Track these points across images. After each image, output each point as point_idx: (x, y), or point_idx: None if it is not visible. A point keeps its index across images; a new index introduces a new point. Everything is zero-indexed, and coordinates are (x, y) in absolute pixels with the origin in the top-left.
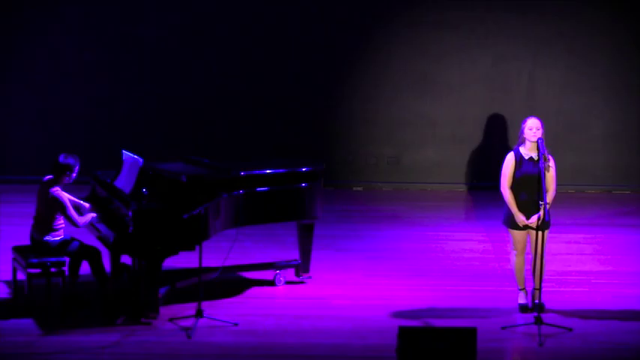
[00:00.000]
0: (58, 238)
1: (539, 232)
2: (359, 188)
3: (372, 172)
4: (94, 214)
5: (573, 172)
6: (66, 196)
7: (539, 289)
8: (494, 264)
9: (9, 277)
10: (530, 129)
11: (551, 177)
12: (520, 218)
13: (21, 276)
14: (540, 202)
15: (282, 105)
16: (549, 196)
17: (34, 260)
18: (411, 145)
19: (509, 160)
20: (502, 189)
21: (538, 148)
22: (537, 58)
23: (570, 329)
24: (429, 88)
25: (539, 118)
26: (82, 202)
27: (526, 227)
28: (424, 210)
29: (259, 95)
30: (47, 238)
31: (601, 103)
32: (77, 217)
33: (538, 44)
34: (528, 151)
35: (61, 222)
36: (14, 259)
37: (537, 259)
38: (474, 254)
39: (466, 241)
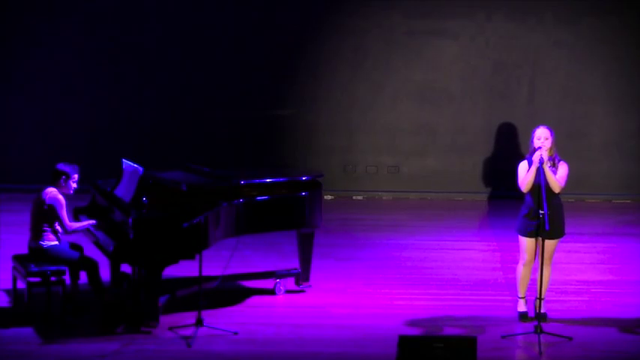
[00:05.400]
0: (53, 243)
1: (542, 241)
2: (359, 197)
3: (372, 181)
4: (91, 221)
5: (573, 181)
6: (62, 198)
7: (543, 299)
8: (494, 273)
9: (9, 285)
10: (539, 139)
11: (559, 176)
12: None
13: (21, 285)
14: (540, 212)
15: (282, 114)
16: (555, 179)
17: (34, 269)
18: (412, 154)
19: (523, 164)
20: (520, 184)
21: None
22: (537, 67)
23: (570, 338)
24: (429, 96)
25: (548, 127)
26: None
27: (536, 235)
28: (424, 219)
29: (259, 104)
30: (42, 242)
31: (601, 111)
32: (68, 221)
33: (538, 52)
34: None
35: (56, 227)
36: (14, 268)
37: (541, 269)
38: (474, 263)
39: (466, 251)
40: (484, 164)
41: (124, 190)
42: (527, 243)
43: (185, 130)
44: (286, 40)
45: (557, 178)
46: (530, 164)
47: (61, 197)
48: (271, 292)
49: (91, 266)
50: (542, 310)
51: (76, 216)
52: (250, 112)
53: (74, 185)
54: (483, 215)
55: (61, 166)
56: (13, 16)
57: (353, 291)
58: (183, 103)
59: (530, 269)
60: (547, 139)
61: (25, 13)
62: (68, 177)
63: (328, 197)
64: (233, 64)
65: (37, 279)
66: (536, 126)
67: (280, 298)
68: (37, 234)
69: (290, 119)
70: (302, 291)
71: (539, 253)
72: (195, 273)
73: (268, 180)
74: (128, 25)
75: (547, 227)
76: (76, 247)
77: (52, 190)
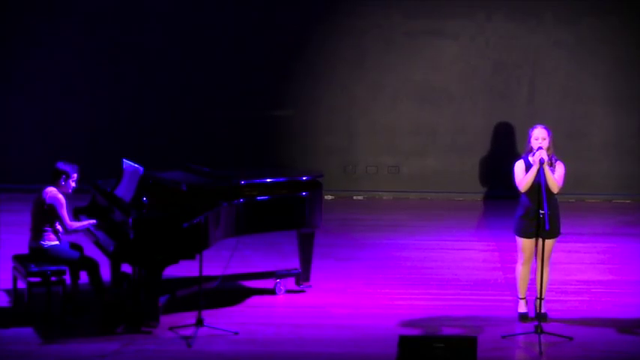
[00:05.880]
0: (54, 243)
1: (541, 241)
2: (359, 197)
3: (372, 181)
4: (91, 221)
5: (574, 181)
6: (62, 197)
7: (543, 299)
8: (494, 273)
9: (9, 285)
10: (536, 139)
11: (558, 176)
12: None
13: (21, 285)
14: (541, 212)
15: (281, 114)
16: (554, 183)
17: (35, 269)
18: (412, 154)
19: (520, 164)
20: (518, 184)
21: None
22: (537, 67)
23: (571, 338)
24: (429, 96)
25: (545, 126)
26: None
27: (534, 235)
28: (424, 219)
29: (259, 104)
30: (42, 242)
31: (601, 111)
32: (68, 220)
33: (538, 53)
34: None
35: (57, 226)
36: (14, 268)
37: (540, 268)
38: (474, 263)
39: (466, 250)
40: (484, 164)
41: (124, 190)
42: (526, 243)
43: (185, 130)
44: (286, 40)
45: (556, 178)
46: (526, 163)
47: (61, 197)
48: (271, 292)
49: (92, 266)
50: (542, 310)
51: (76, 216)
52: (250, 112)
53: (73, 185)
54: (483, 215)
55: (61, 165)
56: (13, 16)
57: (353, 291)
58: (183, 103)
59: (529, 269)
60: (544, 139)
61: (25, 13)
62: (68, 176)
63: (328, 197)
64: (233, 64)
65: (37, 279)
66: (533, 125)
67: (280, 298)
68: (37, 234)
69: (290, 119)
70: (302, 291)
71: (539, 253)
72: (195, 273)
73: (268, 180)
74: (128, 25)
75: (547, 227)
76: (76, 247)
77: (52, 190)
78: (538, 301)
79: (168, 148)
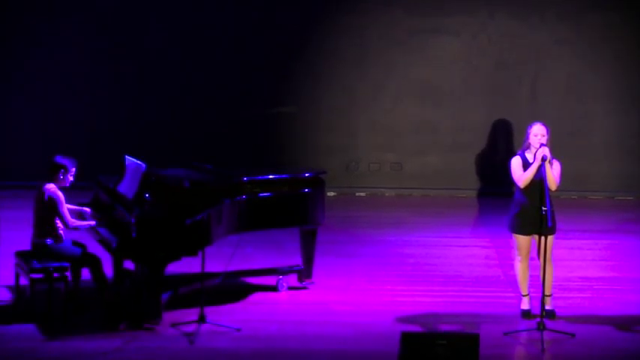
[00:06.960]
0: (58, 240)
1: (544, 238)
2: (362, 194)
3: (375, 178)
4: (92, 222)
5: (576, 179)
6: (61, 194)
7: (549, 296)
8: (497, 270)
9: (12, 282)
10: (536, 135)
11: (557, 174)
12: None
13: (24, 281)
14: (543, 208)
15: (283, 110)
16: (554, 180)
17: (37, 265)
18: (414, 151)
19: (517, 160)
20: (517, 180)
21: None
22: (539, 65)
23: (573, 335)
24: (431, 94)
25: (544, 123)
26: (83, 207)
27: (530, 232)
28: (427, 216)
29: (259, 104)
30: (47, 240)
31: (603, 109)
32: (69, 217)
33: (540, 51)
34: (533, 156)
35: (57, 224)
36: (17, 264)
37: (544, 266)
38: (476, 260)
39: (469, 247)
40: (486, 162)
41: (126, 187)
42: (523, 241)
43: (185, 130)
44: (286, 40)
45: (555, 175)
46: (523, 159)
47: (60, 193)
48: (274, 288)
49: (94, 262)
50: (550, 307)
51: (79, 213)
52: (250, 112)
53: (71, 179)
54: (485, 212)
55: (60, 159)
56: (13, 16)
57: (355, 288)
58: (183, 103)
59: (527, 265)
60: (544, 135)
61: (25, 13)
62: (67, 170)
63: (331, 194)
64: (233, 64)
65: (39, 275)
66: (532, 122)
67: (283, 295)
68: (40, 230)
69: (291, 119)
70: (304, 288)
71: (541, 250)
72: (197, 270)
73: (271, 176)
74: (128, 25)
75: (550, 223)
76: (78, 244)
77: (51, 187)
78: (545, 298)
79: (169, 148)
